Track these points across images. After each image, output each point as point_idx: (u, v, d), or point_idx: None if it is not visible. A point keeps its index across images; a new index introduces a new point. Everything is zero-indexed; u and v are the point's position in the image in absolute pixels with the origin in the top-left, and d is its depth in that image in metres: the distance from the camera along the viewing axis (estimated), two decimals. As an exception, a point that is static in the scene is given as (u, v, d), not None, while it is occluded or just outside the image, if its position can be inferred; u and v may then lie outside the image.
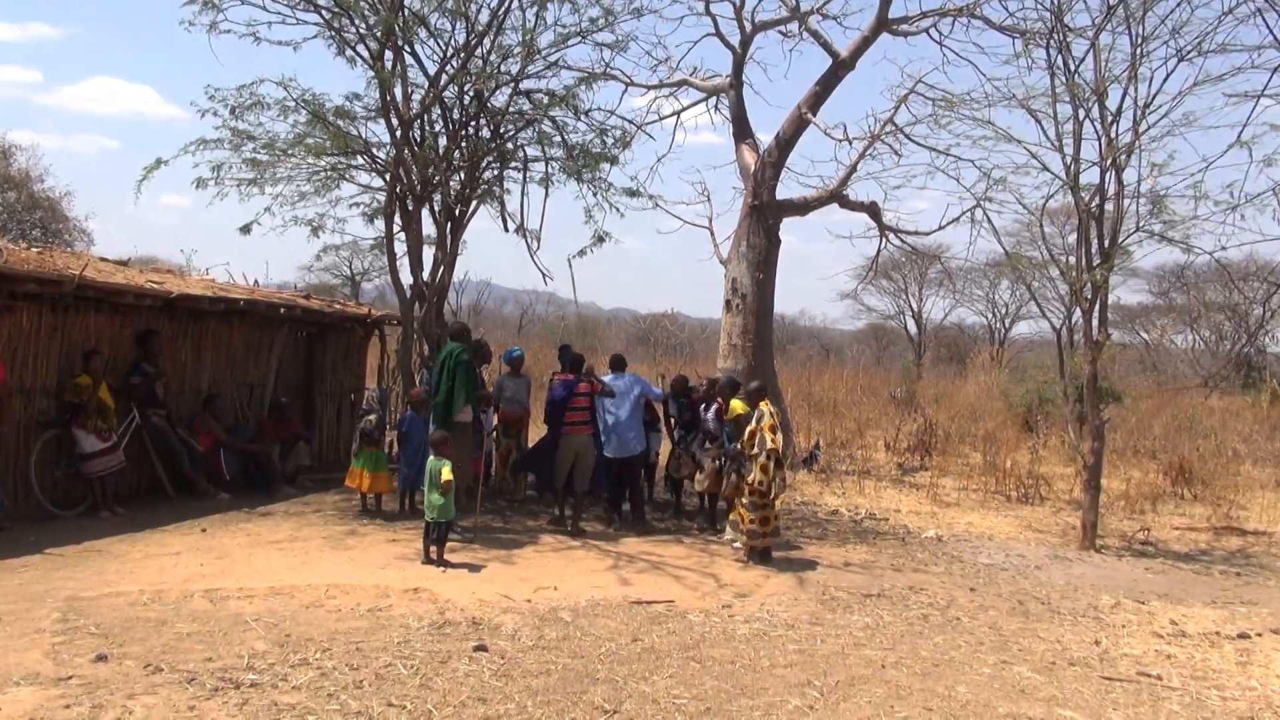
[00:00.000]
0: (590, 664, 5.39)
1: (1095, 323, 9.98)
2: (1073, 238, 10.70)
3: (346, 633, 5.71)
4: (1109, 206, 9.96)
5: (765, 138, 15.21)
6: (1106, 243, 9.97)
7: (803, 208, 15.13)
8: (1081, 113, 9.99)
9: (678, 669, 5.39)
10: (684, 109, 16.56)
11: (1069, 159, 10.05)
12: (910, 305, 41.15)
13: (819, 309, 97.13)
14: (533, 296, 54.96)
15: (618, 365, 9.93)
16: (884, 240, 15.72)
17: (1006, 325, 39.26)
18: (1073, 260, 10.44)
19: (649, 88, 15.84)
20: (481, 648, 5.55)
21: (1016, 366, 29.57)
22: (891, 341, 45.24)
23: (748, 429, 8.41)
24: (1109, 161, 9.78)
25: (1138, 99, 9.79)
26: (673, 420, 10.50)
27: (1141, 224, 10.04)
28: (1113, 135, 9.83)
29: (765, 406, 8.38)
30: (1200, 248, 9.95)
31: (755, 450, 8.31)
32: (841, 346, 48.66)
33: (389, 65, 9.43)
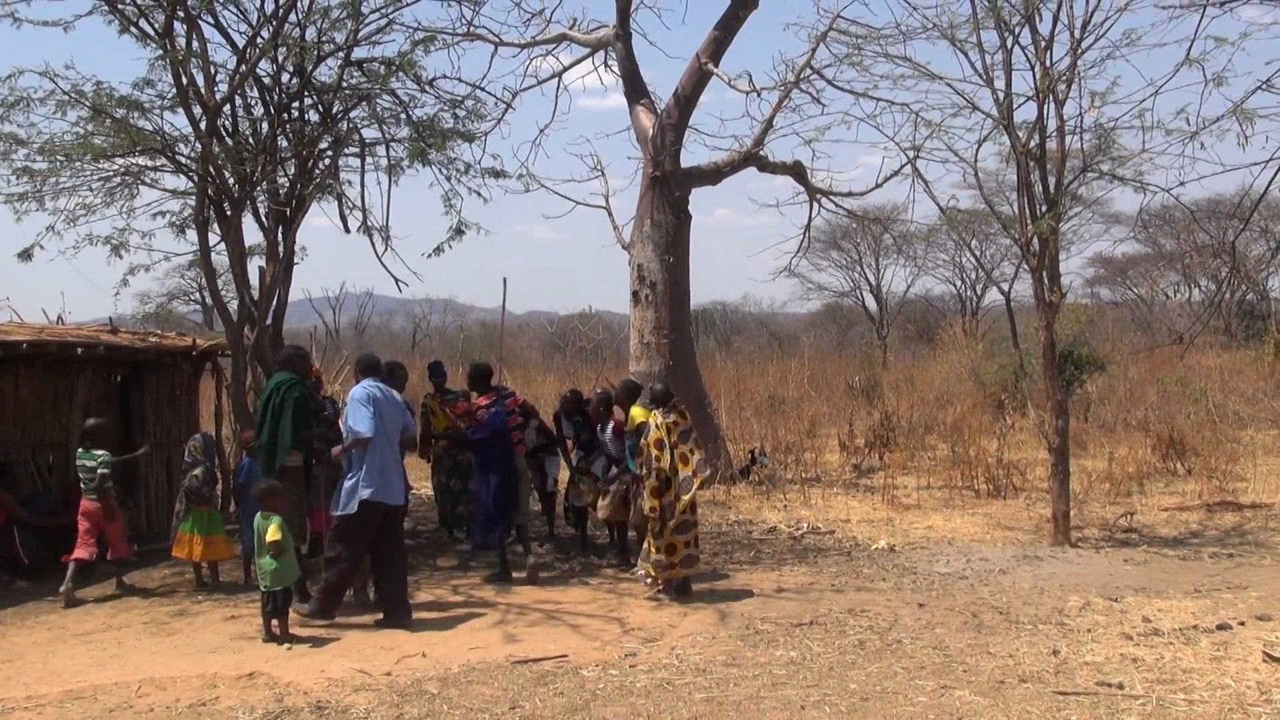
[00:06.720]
0: (455, 743, 5.32)
1: (1046, 280, 10.22)
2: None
3: (156, 738, 5.55)
4: (1050, 145, 10.21)
5: (666, 95, 15.31)
6: (1052, 187, 10.23)
7: (714, 175, 15.25)
8: (1010, 39, 10.23)
9: (559, 737, 5.35)
10: (565, 69, 16.63)
11: (1001, 94, 10.28)
12: (867, 278, 41.70)
13: (764, 292, 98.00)
14: (426, 307, 54.69)
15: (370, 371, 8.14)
16: (815, 205, 15.97)
17: (978, 292, 40.09)
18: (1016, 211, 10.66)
19: (521, 46, 15.84)
20: (323, 737, 5.44)
21: (994, 339, 30.32)
22: (852, 323, 45.92)
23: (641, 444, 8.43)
24: (1044, 92, 10.02)
25: (1072, 19, 10.06)
26: (569, 442, 10.45)
27: (1089, 162, 10.33)
28: (1047, 62, 10.07)
29: (655, 417, 8.39)
30: (1155, 185, 10.27)
31: (643, 472, 8.33)
32: (795, 333, 49.31)
33: (182, 40, 9.22)
